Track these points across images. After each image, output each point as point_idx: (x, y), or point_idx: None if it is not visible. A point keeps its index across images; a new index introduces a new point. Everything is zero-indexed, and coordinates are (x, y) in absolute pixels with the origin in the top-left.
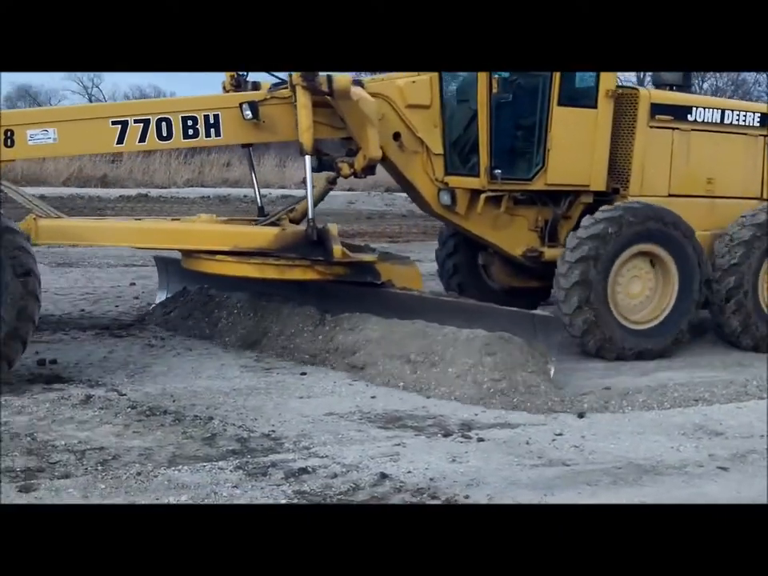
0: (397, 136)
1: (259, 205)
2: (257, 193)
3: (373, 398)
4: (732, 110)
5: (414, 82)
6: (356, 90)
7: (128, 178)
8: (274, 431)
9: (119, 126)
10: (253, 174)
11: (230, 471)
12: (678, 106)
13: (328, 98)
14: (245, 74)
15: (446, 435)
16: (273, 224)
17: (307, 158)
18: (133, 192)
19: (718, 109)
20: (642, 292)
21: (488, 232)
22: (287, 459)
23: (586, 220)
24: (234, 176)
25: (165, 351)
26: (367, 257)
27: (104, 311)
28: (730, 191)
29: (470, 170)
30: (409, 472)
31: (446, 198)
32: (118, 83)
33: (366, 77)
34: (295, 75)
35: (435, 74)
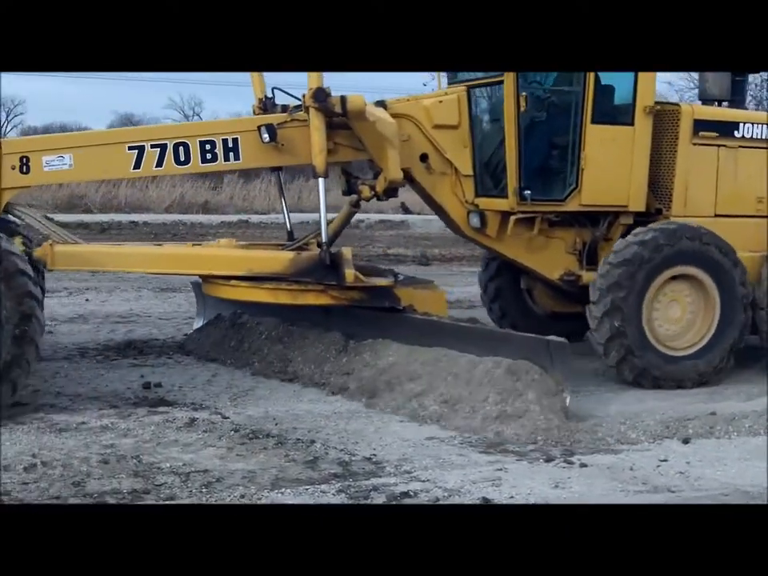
0: (424, 157)
1: (288, 229)
2: (286, 217)
3: None
4: None
5: (440, 101)
6: (373, 111)
7: (228, 204)
8: (375, 455)
9: (136, 152)
10: (282, 198)
11: (333, 495)
12: (724, 122)
13: (343, 119)
14: (272, 96)
15: (548, 460)
16: (300, 249)
17: (321, 180)
18: (234, 218)
19: (767, 124)
20: (682, 317)
21: (522, 255)
22: (389, 483)
23: (618, 244)
24: (331, 202)
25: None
26: (381, 281)
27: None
28: None
29: (500, 191)
30: (511, 497)
31: (475, 221)
32: (217, 110)
33: (389, 97)
34: (307, 96)
35: (463, 93)
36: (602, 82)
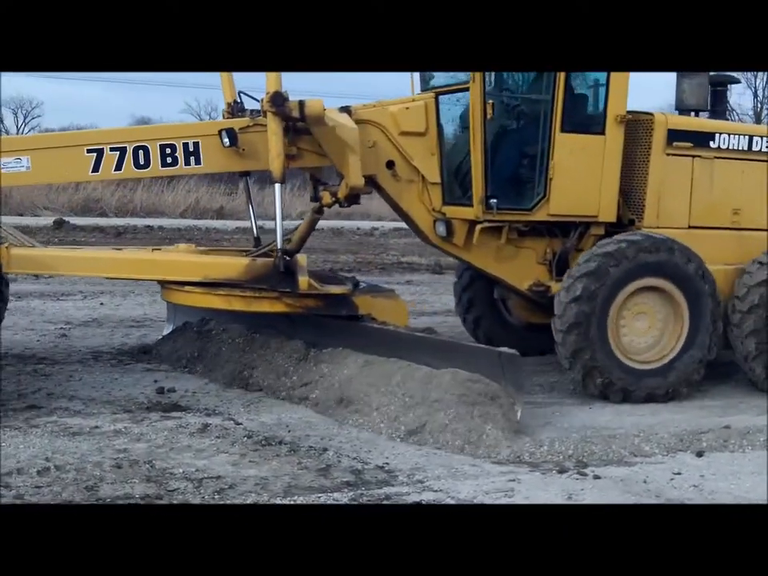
0: (390, 164)
1: (255, 235)
2: (253, 223)
3: None
4: (762, 137)
5: (407, 108)
6: (332, 116)
7: (243, 210)
8: (387, 463)
9: (94, 155)
10: (250, 204)
11: (345, 503)
12: (699, 132)
13: (301, 124)
14: (240, 101)
15: (561, 472)
16: (266, 255)
17: (277, 186)
18: (248, 224)
19: (744, 135)
20: (649, 329)
21: (491, 264)
22: (401, 492)
23: (582, 256)
24: (346, 209)
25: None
26: (336, 289)
27: None
28: (759, 223)
29: (467, 199)
30: None
31: (441, 229)
32: None
33: (356, 103)
34: (264, 100)
35: (431, 100)
36: (574, 91)
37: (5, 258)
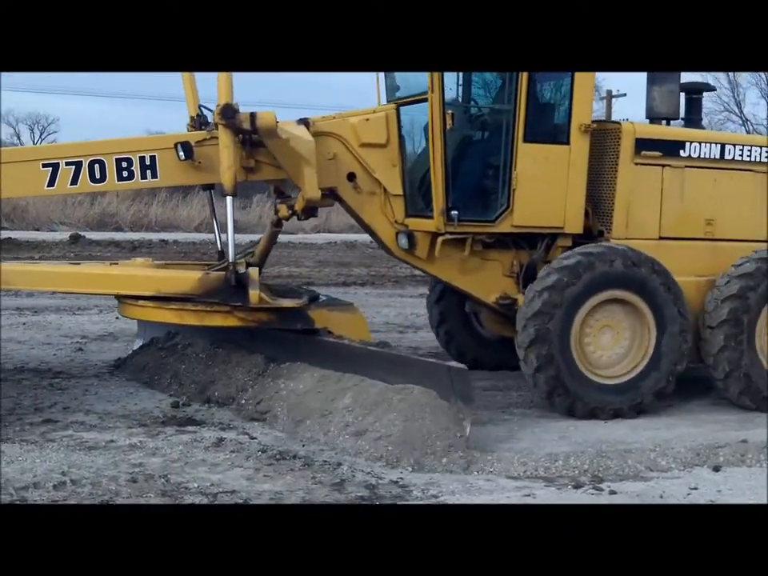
0: (351, 176)
1: (219, 249)
2: (217, 236)
3: None
4: (734, 145)
5: (367, 119)
6: (286, 128)
7: (258, 224)
8: (402, 478)
9: (50, 169)
10: (213, 217)
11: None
12: (669, 141)
13: (256, 136)
14: (202, 114)
15: (576, 487)
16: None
17: (228, 198)
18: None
19: (717, 143)
20: (615, 343)
21: (456, 277)
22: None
23: (543, 270)
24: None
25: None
26: (288, 303)
27: None
28: (733, 233)
29: (429, 211)
30: None
31: (403, 242)
32: None
33: (315, 115)
34: (215, 113)
35: (392, 111)
36: (536, 100)
37: None
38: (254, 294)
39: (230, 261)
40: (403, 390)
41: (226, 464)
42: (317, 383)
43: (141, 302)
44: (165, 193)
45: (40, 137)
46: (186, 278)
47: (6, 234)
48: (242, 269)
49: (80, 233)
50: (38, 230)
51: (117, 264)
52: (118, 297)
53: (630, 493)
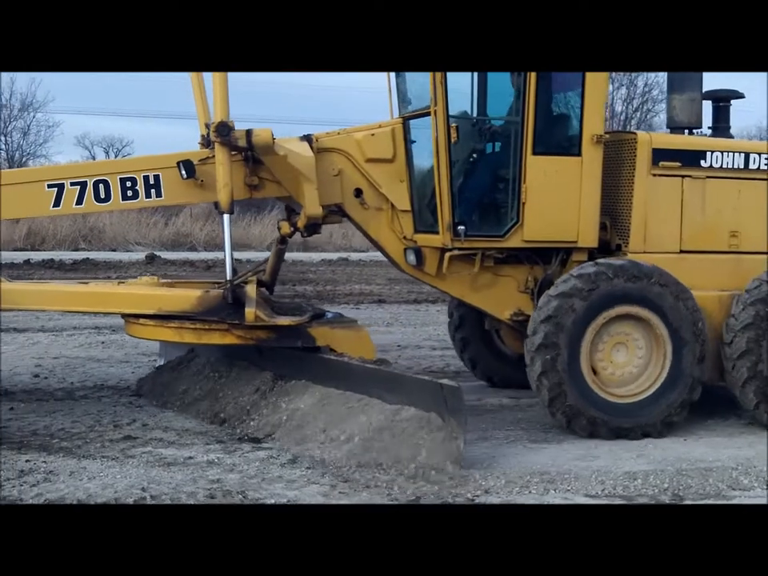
0: (359, 192)
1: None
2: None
3: None
4: (759, 154)
5: (373, 134)
6: (284, 144)
7: (328, 242)
8: (477, 496)
9: (55, 189)
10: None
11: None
12: (688, 151)
13: (251, 153)
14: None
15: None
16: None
17: (225, 216)
18: (334, 256)
19: (740, 152)
20: (629, 362)
21: (467, 293)
22: None
23: (561, 278)
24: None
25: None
26: (285, 321)
27: None
28: (760, 246)
29: (438, 226)
30: None
31: (411, 258)
32: None
33: (319, 131)
34: (210, 130)
35: (398, 126)
36: (545, 112)
37: None
38: (250, 311)
39: (228, 278)
40: (397, 410)
41: (302, 480)
42: (314, 405)
43: (141, 321)
44: (238, 212)
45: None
46: (185, 297)
47: (83, 255)
48: (243, 287)
49: (155, 253)
50: (114, 250)
51: (124, 283)
52: (123, 316)
53: None
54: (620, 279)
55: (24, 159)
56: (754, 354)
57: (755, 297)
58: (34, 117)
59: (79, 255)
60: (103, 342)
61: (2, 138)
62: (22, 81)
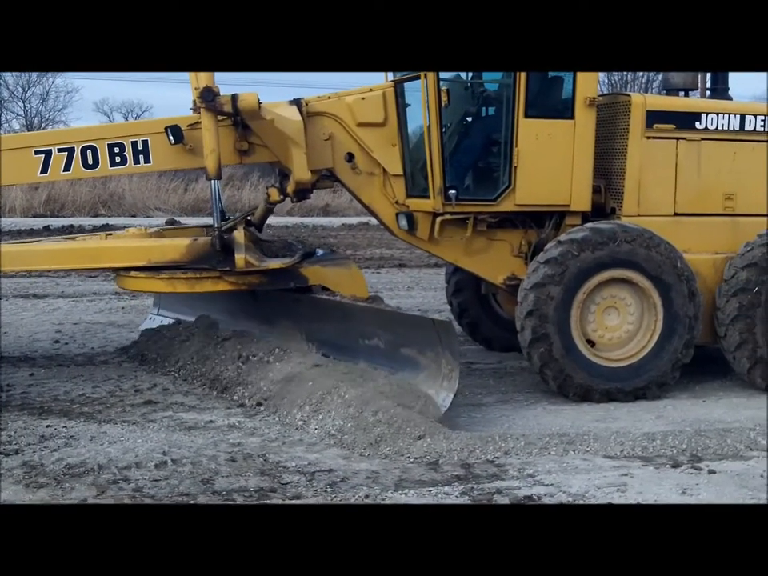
0: (350, 157)
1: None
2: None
3: None
4: (755, 115)
5: (363, 98)
6: (271, 108)
7: (349, 207)
8: (498, 457)
9: (43, 156)
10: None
11: (456, 497)
12: (683, 113)
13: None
14: None
15: (675, 466)
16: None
17: (212, 182)
18: (354, 220)
19: (736, 114)
20: (620, 326)
21: (461, 258)
22: (512, 486)
23: (550, 243)
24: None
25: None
26: (275, 263)
27: None
28: (756, 208)
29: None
30: (638, 503)
31: (403, 223)
32: None
33: (309, 95)
34: (195, 96)
35: (389, 90)
36: (537, 74)
37: None
38: (240, 258)
39: (215, 225)
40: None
41: (322, 444)
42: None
43: (133, 273)
44: (257, 176)
45: None
46: (174, 246)
47: (104, 221)
48: (231, 233)
49: (175, 218)
50: (134, 216)
51: (111, 235)
52: (114, 270)
53: (729, 472)
54: (587, 252)
55: (43, 125)
56: (747, 319)
57: (747, 261)
58: (53, 82)
59: (99, 221)
60: (123, 308)
61: (21, 104)
62: None
